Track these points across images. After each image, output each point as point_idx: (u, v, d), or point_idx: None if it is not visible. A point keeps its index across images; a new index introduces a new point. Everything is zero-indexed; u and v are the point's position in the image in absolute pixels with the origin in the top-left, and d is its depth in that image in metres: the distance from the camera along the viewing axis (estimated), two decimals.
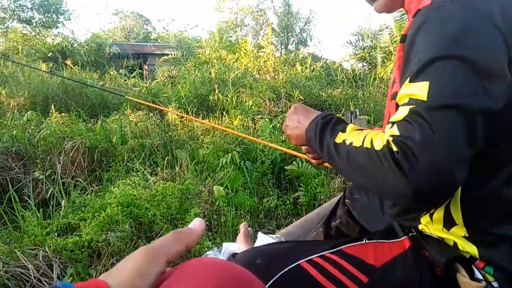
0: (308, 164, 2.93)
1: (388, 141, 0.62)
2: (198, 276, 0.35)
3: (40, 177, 3.08)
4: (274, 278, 0.72)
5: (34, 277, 1.73)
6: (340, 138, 0.73)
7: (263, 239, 1.13)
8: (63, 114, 4.36)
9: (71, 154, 3.43)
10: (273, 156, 3.16)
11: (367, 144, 0.66)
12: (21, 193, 3.13)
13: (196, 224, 0.45)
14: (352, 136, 0.72)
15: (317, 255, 0.76)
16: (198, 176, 3.00)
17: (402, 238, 0.81)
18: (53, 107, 4.47)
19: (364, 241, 0.79)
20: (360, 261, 0.75)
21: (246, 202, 2.63)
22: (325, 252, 0.77)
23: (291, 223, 2.50)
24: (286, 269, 0.74)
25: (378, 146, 0.64)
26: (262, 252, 0.80)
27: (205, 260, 0.39)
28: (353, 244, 0.79)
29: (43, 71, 5.52)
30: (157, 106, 4.07)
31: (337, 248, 0.78)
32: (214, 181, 2.88)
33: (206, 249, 2.07)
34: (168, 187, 2.49)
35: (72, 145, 3.47)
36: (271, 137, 3.50)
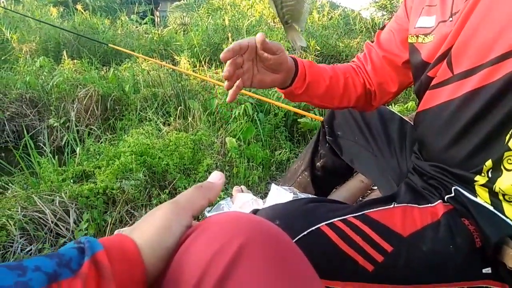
0: (321, 116, 2.89)
1: None
2: (227, 228, 0.34)
3: (55, 124, 3.11)
4: (293, 241, 0.69)
5: (51, 222, 1.79)
6: None
7: (276, 191, 1.12)
8: (75, 61, 4.31)
9: (84, 102, 3.43)
10: (285, 109, 3.12)
11: None
12: (37, 140, 3.19)
13: (216, 177, 0.44)
14: None
15: (339, 218, 0.71)
16: (210, 127, 2.99)
17: (435, 204, 0.75)
18: (65, 54, 4.42)
19: (392, 205, 0.74)
20: (386, 229, 0.70)
21: (258, 154, 2.62)
22: (348, 215, 0.72)
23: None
24: (306, 232, 0.69)
25: None
26: (281, 212, 0.75)
27: (232, 214, 0.37)
28: (379, 208, 0.73)
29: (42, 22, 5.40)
30: (141, 56, 3.99)
31: (361, 212, 0.72)
32: (227, 133, 2.88)
33: (218, 199, 2.10)
34: (181, 137, 2.50)
35: (85, 93, 3.47)
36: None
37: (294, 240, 0.69)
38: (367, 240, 0.69)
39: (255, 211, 0.81)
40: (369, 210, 0.74)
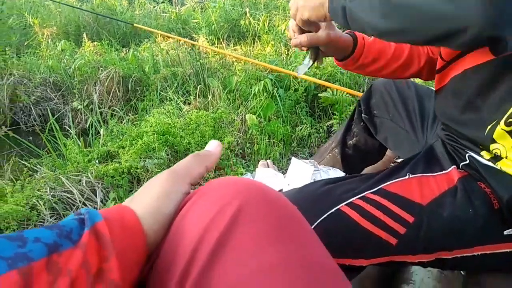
0: (346, 88, 2.84)
1: None
2: (225, 191, 0.34)
3: (79, 107, 3.17)
4: (314, 225, 0.69)
5: (79, 201, 1.84)
6: None
7: (296, 164, 1.12)
8: (95, 43, 4.35)
9: (106, 84, 3.47)
10: (306, 84, 3.08)
11: None
12: (62, 123, 3.26)
13: (214, 145, 0.45)
14: None
15: (357, 197, 0.71)
16: (230, 104, 2.99)
17: (449, 170, 0.74)
18: (85, 36, 4.46)
19: (407, 177, 0.73)
20: (405, 200, 0.70)
21: (279, 130, 2.61)
22: (366, 192, 0.71)
23: None
24: (325, 215, 0.69)
25: None
26: (298, 197, 0.75)
27: (231, 178, 0.37)
28: (394, 180, 0.73)
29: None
30: (164, 34, 3.99)
31: (378, 187, 0.72)
32: (247, 110, 2.87)
33: (240, 176, 2.12)
34: (201, 115, 2.51)
35: (106, 75, 3.50)
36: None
37: (315, 224, 0.69)
38: (388, 213, 0.69)
39: None
40: (385, 184, 0.73)
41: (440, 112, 0.88)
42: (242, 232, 0.31)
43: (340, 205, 0.70)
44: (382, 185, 0.73)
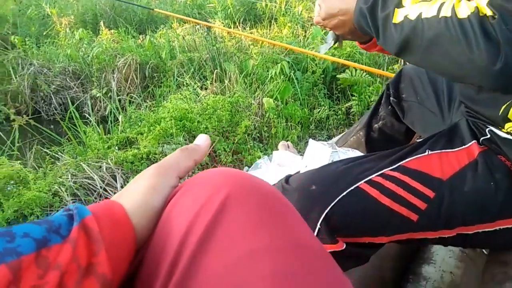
0: (362, 72, 2.78)
1: (477, 8, 0.53)
2: (213, 181, 0.34)
3: (98, 95, 3.20)
4: (333, 203, 0.68)
5: (100, 187, 1.87)
6: (398, 15, 0.63)
7: (314, 146, 1.09)
8: (112, 30, 4.37)
9: (123, 71, 3.49)
10: (324, 65, 3.02)
11: (445, 13, 0.57)
12: (82, 111, 3.31)
13: (202, 140, 0.45)
14: (418, 7, 0.61)
15: (376, 174, 0.70)
16: (247, 88, 2.97)
17: (469, 144, 0.72)
18: (102, 24, 4.48)
19: (426, 153, 0.71)
20: (425, 175, 0.68)
21: (296, 113, 2.58)
22: (385, 170, 0.70)
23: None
24: (344, 193, 0.69)
25: (463, 13, 0.54)
26: (316, 176, 0.74)
27: (218, 169, 0.37)
28: (414, 157, 0.71)
29: None
30: (185, 18, 3.96)
31: (397, 164, 0.70)
32: (264, 93, 2.84)
33: (257, 159, 2.10)
34: (218, 100, 2.50)
35: (124, 62, 3.52)
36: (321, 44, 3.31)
37: (333, 202, 0.68)
38: (408, 189, 0.67)
39: (288, 177, 0.79)
40: (404, 161, 0.71)
41: (460, 91, 0.86)
42: (229, 219, 0.31)
43: (359, 182, 0.69)
44: (401, 162, 0.71)
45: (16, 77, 3.59)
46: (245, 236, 0.30)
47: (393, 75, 2.51)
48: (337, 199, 0.68)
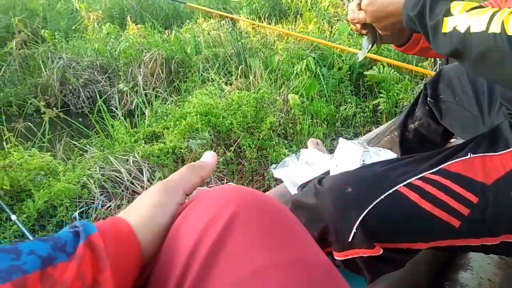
0: (390, 68, 2.72)
1: None
2: (220, 198, 0.35)
3: (125, 89, 3.25)
4: (369, 208, 0.66)
5: (127, 180, 1.90)
6: (447, 25, 0.62)
7: (345, 145, 1.07)
8: (139, 25, 4.42)
9: (150, 66, 3.53)
10: (351, 62, 2.97)
11: (495, 29, 0.55)
12: (109, 105, 3.36)
13: (209, 157, 0.45)
14: (467, 18, 0.60)
15: (416, 177, 0.67)
16: (272, 84, 2.95)
17: None
18: (129, 19, 4.54)
19: (468, 156, 0.68)
20: (467, 180, 0.65)
21: (322, 110, 2.55)
22: (425, 173, 0.67)
23: (370, 131, 2.41)
24: (383, 196, 0.66)
25: None
26: (352, 178, 0.71)
27: (225, 186, 0.37)
28: (455, 160, 0.68)
29: None
30: (215, 11, 3.96)
31: (438, 167, 0.67)
32: (289, 89, 2.82)
33: (282, 156, 2.09)
34: (243, 96, 2.49)
35: (150, 57, 3.56)
36: (349, 41, 3.26)
37: (371, 206, 0.66)
38: (450, 194, 0.64)
39: (321, 178, 0.77)
40: (445, 164, 0.68)
41: (500, 93, 0.83)
42: (235, 237, 0.31)
43: (398, 186, 0.67)
44: (442, 166, 0.68)
45: (46, 71, 3.68)
46: (251, 253, 0.30)
47: (424, 71, 2.45)
48: (375, 202, 0.66)
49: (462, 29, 0.60)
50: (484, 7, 0.62)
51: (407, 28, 0.74)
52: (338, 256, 0.69)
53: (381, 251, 0.66)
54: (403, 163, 0.72)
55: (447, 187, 0.65)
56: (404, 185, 0.67)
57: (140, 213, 0.36)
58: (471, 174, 0.66)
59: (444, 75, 1.06)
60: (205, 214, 0.34)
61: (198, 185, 0.42)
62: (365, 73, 2.85)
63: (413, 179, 0.67)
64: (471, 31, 0.59)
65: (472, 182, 0.65)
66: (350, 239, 0.66)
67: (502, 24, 0.55)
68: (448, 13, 0.63)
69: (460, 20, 0.61)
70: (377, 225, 0.66)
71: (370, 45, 0.92)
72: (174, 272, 0.31)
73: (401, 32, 0.83)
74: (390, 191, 0.66)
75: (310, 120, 2.48)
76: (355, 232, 0.65)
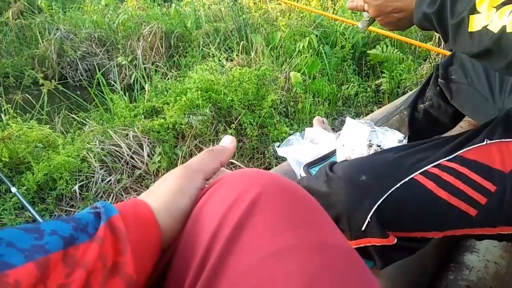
0: (393, 48, 2.69)
1: None
2: (243, 181, 0.35)
3: (123, 62, 3.19)
4: (385, 196, 0.64)
5: (127, 155, 1.88)
6: (475, 24, 0.58)
7: (352, 124, 1.06)
8: None
9: (149, 39, 3.47)
10: (354, 40, 2.93)
11: None
12: (107, 78, 3.32)
13: (228, 141, 0.45)
14: (498, 17, 0.56)
15: (432, 165, 0.65)
16: (274, 61, 2.91)
17: None
18: None
19: (485, 142, 0.66)
20: (485, 167, 0.63)
21: (324, 89, 2.53)
22: (441, 160, 0.65)
23: (372, 111, 2.40)
24: (398, 184, 0.64)
25: None
26: (366, 166, 0.69)
27: (248, 170, 0.38)
28: (472, 147, 0.66)
29: None
30: None
31: (454, 154, 0.66)
32: (291, 67, 2.78)
33: (284, 134, 2.08)
34: (244, 72, 2.46)
35: (149, 30, 3.49)
36: (353, 18, 3.20)
37: (386, 194, 0.64)
38: (467, 182, 0.63)
39: (332, 163, 0.75)
40: (462, 151, 0.66)
41: None
42: (258, 219, 0.32)
43: (414, 174, 0.65)
44: (459, 152, 0.66)
45: (43, 42, 3.61)
46: (273, 235, 0.30)
47: (429, 47, 2.41)
48: (390, 191, 0.64)
49: (495, 29, 0.56)
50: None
51: (419, 26, 0.71)
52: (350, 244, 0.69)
53: (395, 240, 0.65)
54: (418, 149, 0.70)
55: (464, 175, 0.63)
56: (420, 173, 0.65)
57: (162, 197, 0.36)
58: (488, 161, 0.64)
59: (458, 57, 1.04)
60: (228, 196, 0.34)
61: (218, 169, 0.42)
62: (368, 52, 2.82)
63: (429, 166, 0.65)
64: (507, 31, 0.55)
65: (490, 170, 0.63)
66: (363, 228, 0.65)
67: None
68: (473, 10, 0.59)
69: (491, 18, 0.57)
70: (392, 214, 0.64)
71: (372, 19, 0.88)
72: (197, 254, 0.31)
73: (404, 26, 0.79)
74: (406, 179, 0.65)
75: (312, 99, 2.46)
76: (369, 221, 0.64)
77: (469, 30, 0.59)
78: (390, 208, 0.64)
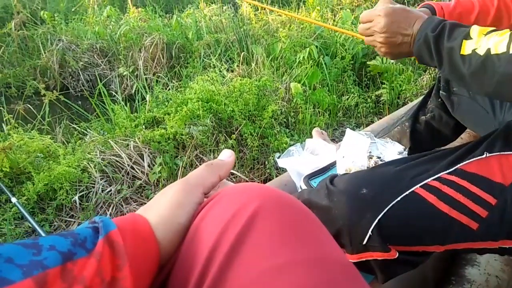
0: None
1: None
2: (241, 195, 0.35)
3: (125, 73, 3.21)
4: (386, 209, 0.64)
5: (128, 165, 1.88)
6: (466, 48, 0.62)
7: (352, 136, 1.06)
8: (139, 9, 4.36)
9: (150, 50, 3.49)
10: (354, 51, 2.95)
11: None
12: (109, 89, 3.34)
13: (227, 155, 0.46)
14: (486, 41, 0.60)
15: (433, 178, 0.65)
16: (274, 72, 2.93)
17: None
18: (129, 2, 4.48)
19: (485, 155, 0.66)
20: (485, 180, 0.64)
21: (324, 99, 2.54)
22: (441, 173, 0.65)
23: (372, 122, 2.40)
24: (399, 198, 0.64)
25: None
26: (366, 179, 0.70)
27: (247, 184, 0.38)
28: (471, 160, 0.66)
29: None
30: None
31: (454, 167, 0.66)
32: (291, 78, 2.80)
33: (284, 145, 2.08)
34: (245, 83, 2.47)
35: (151, 41, 3.52)
36: (353, 30, 3.22)
37: (387, 208, 0.64)
38: (468, 195, 0.63)
39: (333, 177, 0.75)
40: (462, 164, 0.67)
41: None
42: (257, 233, 0.32)
43: (415, 187, 0.65)
44: (459, 165, 0.66)
45: (45, 52, 3.63)
46: (272, 250, 0.31)
47: None
48: (391, 204, 0.64)
49: (482, 52, 0.60)
50: (500, 30, 0.62)
51: (416, 52, 0.73)
52: (351, 259, 0.68)
53: (397, 254, 0.65)
54: (418, 162, 0.70)
55: (465, 188, 0.63)
56: (420, 186, 0.65)
57: (160, 211, 0.36)
58: (488, 174, 0.64)
59: None
60: (226, 211, 0.34)
61: (217, 184, 0.42)
62: (368, 63, 2.83)
63: (429, 179, 0.65)
64: (492, 53, 0.59)
65: (490, 183, 0.63)
66: (365, 242, 0.65)
67: None
68: (467, 36, 0.63)
69: (480, 43, 0.61)
70: (393, 228, 0.64)
71: None
72: (195, 269, 0.31)
73: (403, 52, 0.81)
74: (407, 192, 0.65)
75: (312, 110, 2.46)
76: (370, 235, 0.64)
77: (461, 53, 0.63)
78: (392, 222, 0.64)
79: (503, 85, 0.60)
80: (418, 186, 0.65)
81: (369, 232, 0.64)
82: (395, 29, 0.75)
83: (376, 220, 0.64)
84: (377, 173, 0.72)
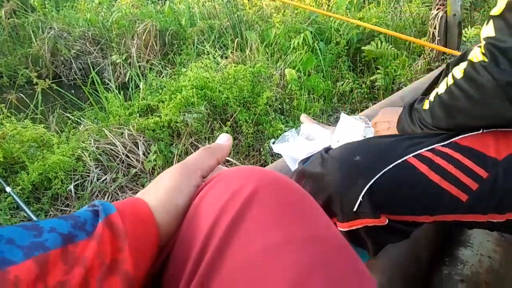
0: (388, 44, 2.69)
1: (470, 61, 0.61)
2: (239, 177, 0.36)
3: (118, 60, 3.18)
4: (377, 177, 0.65)
5: (122, 153, 1.88)
6: (426, 103, 0.70)
7: (346, 120, 1.06)
8: None
9: (143, 37, 3.46)
10: (348, 36, 2.93)
11: (450, 82, 0.64)
12: (102, 77, 3.30)
13: (224, 139, 0.46)
14: (434, 92, 0.68)
15: (426, 148, 0.66)
16: (269, 58, 2.91)
17: None
18: None
19: (481, 131, 0.67)
20: (478, 154, 0.64)
21: (319, 85, 2.53)
22: (436, 145, 0.66)
23: (367, 107, 2.40)
24: (391, 166, 0.65)
25: (459, 74, 0.62)
26: (360, 147, 0.71)
27: (244, 167, 0.39)
28: (467, 134, 0.67)
29: None
30: None
31: (449, 140, 0.66)
32: (286, 64, 2.78)
33: (279, 131, 2.08)
34: (239, 70, 2.45)
35: (143, 28, 3.48)
36: (347, 15, 3.20)
37: (379, 175, 0.65)
38: (460, 167, 0.63)
39: (328, 148, 0.76)
40: (457, 138, 0.67)
41: None
42: (253, 214, 0.32)
43: (408, 156, 0.66)
44: (454, 139, 0.67)
45: (36, 41, 3.59)
46: (267, 230, 0.31)
47: (423, 42, 2.42)
48: (383, 171, 0.65)
49: (432, 98, 0.68)
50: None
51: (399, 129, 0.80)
52: (342, 227, 0.69)
53: (387, 221, 0.66)
54: (414, 135, 0.71)
55: (457, 160, 0.64)
56: (413, 156, 0.66)
57: (159, 194, 0.37)
58: (482, 148, 0.65)
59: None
60: (224, 193, 0.34)
61: (214, 167, 0.43)
62: (363, 48, 2.82)
63: (423, 150, 0.66)
64: (439, 93, 0.67)
65: (483, 157, 0.64)
66: (355, 209, 0.66)
67: (452, 75, 0.63)
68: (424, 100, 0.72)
69: (431, 95, 0.70)
70: (384, 195, 0.65)
71: None
72: (194, 249, 0.32)
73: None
74: (399, 160, 0.66)
75: (307, 96, 2.46)
76: (361, 201, 0.65)
77: (423, 108, 0.72)
78: (382, 189, 0.65)
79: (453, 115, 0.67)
80: (411, 155, 0.66)
81: (360, 198, 0.65)
82: (384, 120, 0.88)
83: (367, 186, 0.65)
84: (372, 142, 0.73)
